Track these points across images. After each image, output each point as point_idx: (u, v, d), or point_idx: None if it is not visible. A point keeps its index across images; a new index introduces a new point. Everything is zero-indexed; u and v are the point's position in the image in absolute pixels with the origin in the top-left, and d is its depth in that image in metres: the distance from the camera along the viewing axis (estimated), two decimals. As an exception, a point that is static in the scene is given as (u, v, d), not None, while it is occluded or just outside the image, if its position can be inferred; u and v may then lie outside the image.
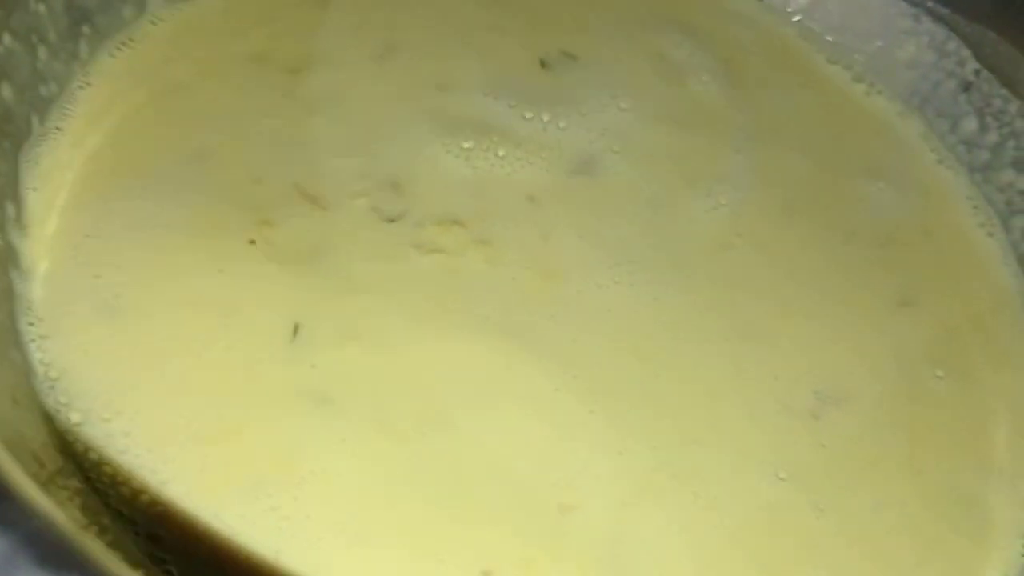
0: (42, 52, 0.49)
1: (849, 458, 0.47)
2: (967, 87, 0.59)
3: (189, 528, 0.41)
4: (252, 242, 0.48)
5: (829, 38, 0.63)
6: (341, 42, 0.56)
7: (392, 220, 0.50)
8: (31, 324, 0.45)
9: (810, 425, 0.48)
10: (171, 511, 0.41)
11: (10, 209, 0.46)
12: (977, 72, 0.59)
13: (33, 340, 0.44)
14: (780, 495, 0.46)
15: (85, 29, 0.52)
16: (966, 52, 0.59)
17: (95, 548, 0.34)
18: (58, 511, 0.33)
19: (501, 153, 0.53)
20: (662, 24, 0.61)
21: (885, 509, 0.47)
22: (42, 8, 0.49)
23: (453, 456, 0.44)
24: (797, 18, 0.63)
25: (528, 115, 0.54)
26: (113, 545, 0.39)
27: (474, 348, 0.47)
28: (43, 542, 0.31)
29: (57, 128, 0.50)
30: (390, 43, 0.56)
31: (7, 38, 0.47)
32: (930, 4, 0.60)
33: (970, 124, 0.59)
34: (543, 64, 0.57)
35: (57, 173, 0.49)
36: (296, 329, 0.46)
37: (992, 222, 0.57)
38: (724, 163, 0.56)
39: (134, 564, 0.39)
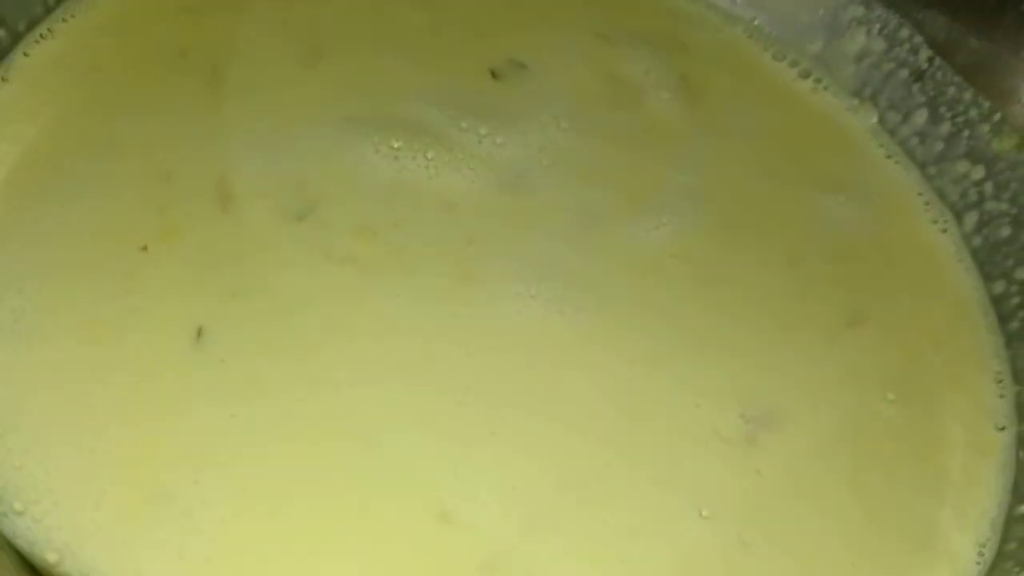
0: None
1: (785, 483, 0.45)
2: (920, 76, 0.57)
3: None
4: (144, 248, 0.46)
5: (775, 32, 0.60)
6: (263, 42, 0.54)
7: (302, 219, 0.48)
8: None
9: (741, 451, 0.45)
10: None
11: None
12: (930, 60, 0.57)
13: (-69, 356, 0.43)
14: (701, 532, 0.43)
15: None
16: (919, 39, 0.57)
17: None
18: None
19: (430, 155, 0.51)
20: (613, 32, 0.58)
21: (827, 535, 0.44)
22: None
23: (347, 456, 0.43)
24: (744, 13, 0.61)
25: (464, 126, 0.52)
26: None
27: (381, 354, 0.45)
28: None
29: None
30: (315, 45, 0.54)
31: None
32: (883, -10, 0.58)
33: (923, 115, 0.57)
34: (494, 74, 0.55)
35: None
36: (199, 333, 0.44)
37: (945, 217, 0.55)
38: (669, 182, 0.53)
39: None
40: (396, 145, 0.51)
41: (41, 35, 0.52)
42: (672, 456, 0.45)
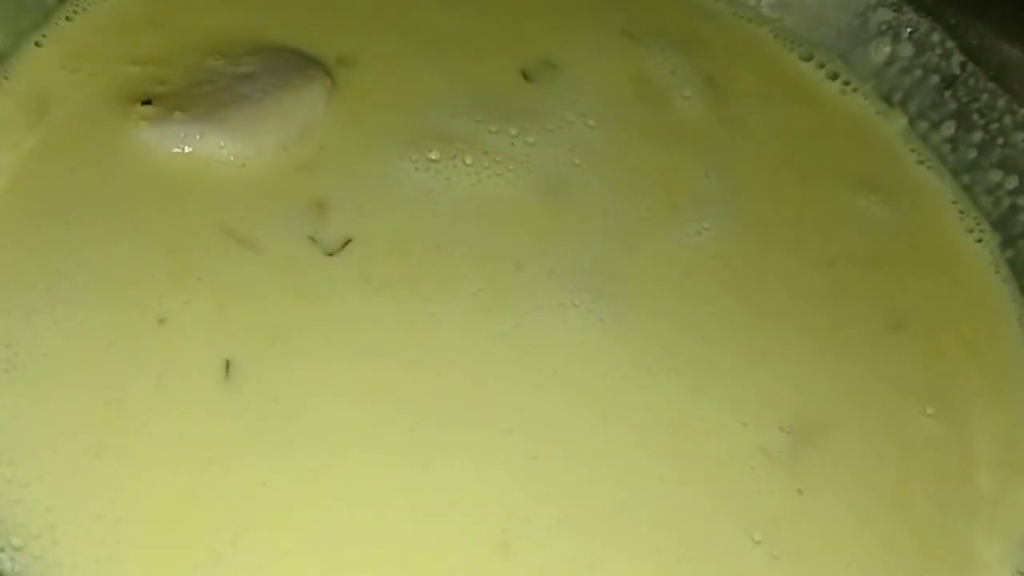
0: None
1: (829, 501, 0.44)
2: (951, 82, 0.56)
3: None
4: (162, 321, 0.43)
5: (802, 33, 0.59)
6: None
7: (332, 255, 0.46)
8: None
9: (787, 470, 0.44)
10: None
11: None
12: (963, 65, 0.56)
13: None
14: (757, 557, 0.42)
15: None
16: (951, 44, 0.56)
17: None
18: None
19: (468, 161, 0.49)
20: (639, 30, 0.57)
21: (872, 553, 0.44)
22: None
23: (396, 492, 0.41)
24: (771, 13, 0.60)
25: (494, 128, 0.51)
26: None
27: (423, 382, 0.43)
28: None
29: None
30: (344, 55, 0.52)
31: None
32: (914, -8, 0.57)
33: (955, 122, 0.56)
34: (525, 76, 0.54)
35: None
36: (228, 368, 0.42)
37: (980, 227, 0.54)
38: (702, 184, 0.52)
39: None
40: (433, 157, 0.49)
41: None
42: (720, 477, 0.44)
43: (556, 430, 0.43)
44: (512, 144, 0.50)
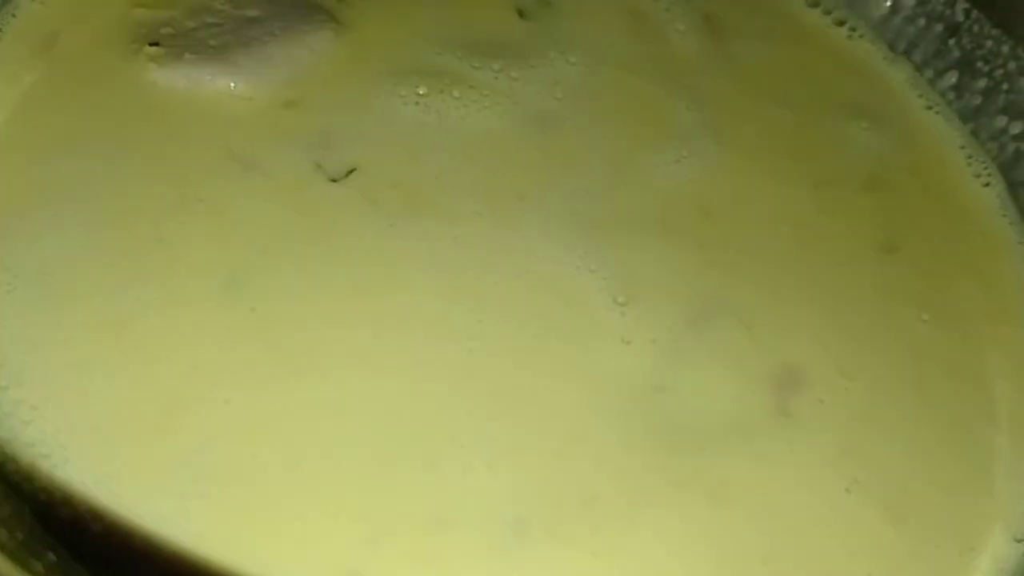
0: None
1: (851, 410, 0.45)
2: (955, 30, 0.56)
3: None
4: (162, 240, 0.43)
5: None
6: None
7: (335, 180, 0.46)
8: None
9: (797, 391, 0.45)
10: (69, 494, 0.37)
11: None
12: (967, 12, 0.56)
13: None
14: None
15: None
16: (955, -9, 0.56)
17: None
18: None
19: (456, 95, 0.50)
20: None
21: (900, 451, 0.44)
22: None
23: (351, 408, 0.42)
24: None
25: (476, 64, 0.51)
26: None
27: (416, 310, 0.44)
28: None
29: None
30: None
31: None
32: (919, -61, 0.57)
33: (958, 71, 0.56)
34: (521, 14, 0.54)
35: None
36: (232, 282, 0.43)
37: (988, 172, 0.54)
38: (691, 116, 0.52)
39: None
40: (422, 92, 0.50)
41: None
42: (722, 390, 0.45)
43: (518, 350, 0.44)
44: (496, 78, 0.51)
